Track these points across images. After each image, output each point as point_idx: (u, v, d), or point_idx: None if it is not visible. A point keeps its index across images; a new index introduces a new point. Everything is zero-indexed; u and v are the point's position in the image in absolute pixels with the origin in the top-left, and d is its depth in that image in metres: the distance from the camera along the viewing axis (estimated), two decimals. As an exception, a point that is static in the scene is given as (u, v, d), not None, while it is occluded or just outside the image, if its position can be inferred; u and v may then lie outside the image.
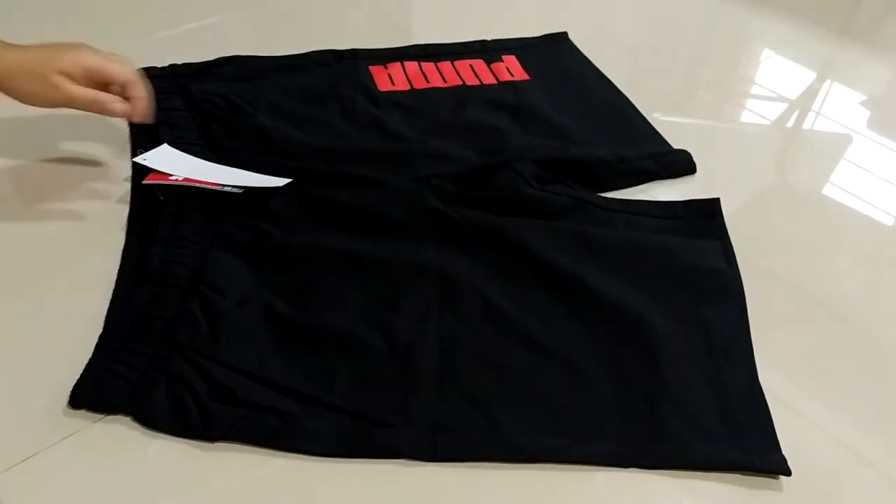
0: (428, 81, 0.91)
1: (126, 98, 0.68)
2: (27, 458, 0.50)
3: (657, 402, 0.57)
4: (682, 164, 0.83)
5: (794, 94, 1.02)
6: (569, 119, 0.86)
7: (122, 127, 0.79)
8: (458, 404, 0.56)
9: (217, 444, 0.52)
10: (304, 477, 0.51)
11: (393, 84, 0.90)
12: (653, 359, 0.60)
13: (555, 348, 0.60)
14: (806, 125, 0.98)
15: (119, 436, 0.52)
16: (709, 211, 0.74)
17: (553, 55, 1.00)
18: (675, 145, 0.85)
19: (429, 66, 0.93)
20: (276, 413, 0.53)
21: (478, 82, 0.92)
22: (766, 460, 0.54)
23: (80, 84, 0.65)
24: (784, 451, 0.55)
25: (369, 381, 0.56)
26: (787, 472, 0.53)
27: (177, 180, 0.68)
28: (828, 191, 0.85)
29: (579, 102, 0.91)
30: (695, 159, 0.83)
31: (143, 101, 0.69)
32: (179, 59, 0.88)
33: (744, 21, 1.18)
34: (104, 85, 0.67)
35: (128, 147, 0.77)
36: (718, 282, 0.67)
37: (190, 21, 1.02)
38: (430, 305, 0.62)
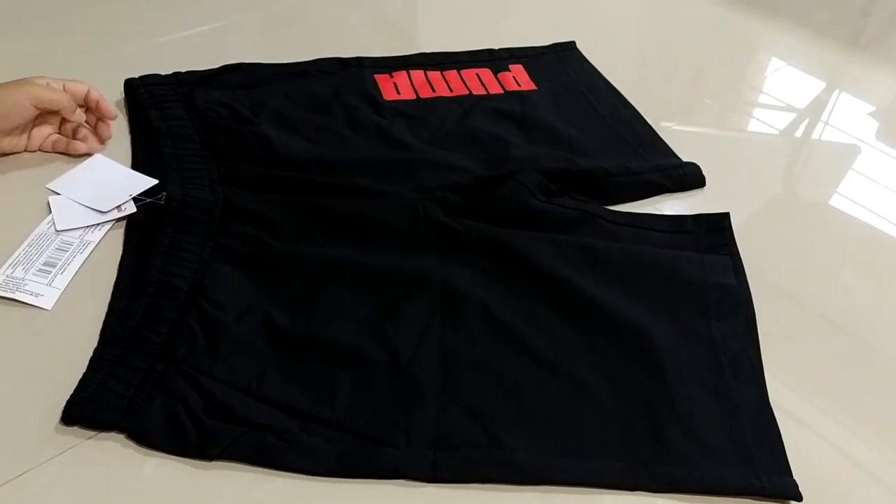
0: (433, 90, 0.90)
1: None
2: (19, 476, 0.49)
3: (662, 417, 0.56)
4: (691, 178, 0.81)
5: (802, 105, 1.01)
6: (576, 130, 0.85)
7: (122, 133, 0.79)
8: (459, 417, 0.55)
9: (213, 463, 0.51)
10: (303, 497, 0.50)
11: (398, 93, 0.89)
12: (657, 373, 0.59)
13: (558, 361, 0.59)
14: (814, 136, 0.97)
15: (113, 453, 0.51)
16: (718, 225, 0.73)
17: (561, 65, 0.99)
18: (683, 155, 0.84)
19: (434, 75, 0.92)
20: (275, 431, 0.52)
21: (484, 92, 0.91)
22: (776, 483, 0.53)
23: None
24: (791, 466, 0.54)
25: (371, 393, 0.55)
26: (799, 498, 0.52)
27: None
28: (836, 201, 0.84)
29: (587, 113, 0.90)
30: (702, 169, 0.82)
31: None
32: (181, 65, 0.87)
33: (752, 31, 1.17)
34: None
35: (128, 157, 0.77)
36: (726, 297, 0.66)
37: (192, 26, 1.01)
38: (433, 317, 0.61)
